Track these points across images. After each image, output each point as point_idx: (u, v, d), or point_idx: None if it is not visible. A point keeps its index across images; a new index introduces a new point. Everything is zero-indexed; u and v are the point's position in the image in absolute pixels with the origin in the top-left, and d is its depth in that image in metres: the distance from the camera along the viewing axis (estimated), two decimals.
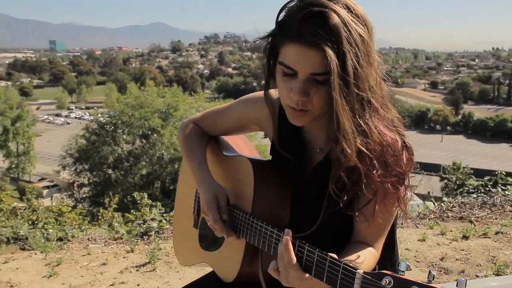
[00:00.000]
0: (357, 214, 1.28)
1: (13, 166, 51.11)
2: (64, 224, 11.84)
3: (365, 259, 1.21)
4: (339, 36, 1.15)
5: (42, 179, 47.98)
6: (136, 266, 4.31)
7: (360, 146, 1.20)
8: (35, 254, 5.03)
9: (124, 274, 4.17)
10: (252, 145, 1.81)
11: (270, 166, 1.53)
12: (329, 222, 1.33)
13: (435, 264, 3.86)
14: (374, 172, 1.22)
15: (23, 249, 5.56)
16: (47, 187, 41.53)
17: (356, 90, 1.18)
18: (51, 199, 22.27)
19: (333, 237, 1.35)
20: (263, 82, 1.36)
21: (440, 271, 3.76)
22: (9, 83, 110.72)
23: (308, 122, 1.30)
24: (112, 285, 3.97)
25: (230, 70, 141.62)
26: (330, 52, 1.14)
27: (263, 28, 1.29)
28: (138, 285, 3.94)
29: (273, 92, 1.46)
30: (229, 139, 1.77)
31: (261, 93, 1.48)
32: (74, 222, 12.30)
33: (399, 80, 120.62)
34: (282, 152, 1.47)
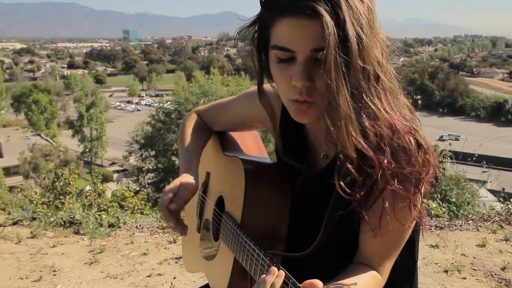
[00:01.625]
0: (363, 217, 1.04)
1: (87, 150, 53.78)
2: (126, 209, 12.19)
3: (365, 285, 0.97)
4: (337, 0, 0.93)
5: (112, 164, 50.11)
6: (176, 258, 4.23)
7: (367, 128, 0.97)
8: (83, 240, 5.10)
9: (163, 266, 4.10)
10: (261, 143, 1.58)
11: (268, 170, 1.32)
12: (332, 241, 1.09)
13: (495, 274, 3.47)
14: (385, 161, 0.99)
15: (77, 233, 5.67)
16: (117, 171, 43.30)
17: (361, 63, 0.95)
18: (117, 183, 23.09)
19: (337, 259, 1.12)
20: None
21: (501, 282, 3.37)
22: (86, 71, 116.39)
23: (314, 118, 1.06)
24: (149, 276, 3.90)
25: None
26: (327, 18, 0.92)
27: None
28: (174, 277, 3.85)
29: (271, 90, 1.21)
30: (236, 135, 1.57)
31: (267, 85, 1.25)
32: (136, 207, 12.64)
33: (474, 69, 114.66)
34: (284, 158, 1.25)
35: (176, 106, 27.04)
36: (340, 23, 0.93)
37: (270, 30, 1.02)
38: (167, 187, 1.27)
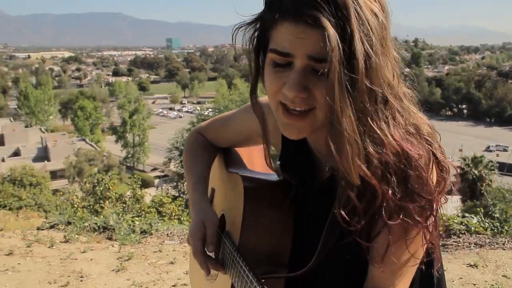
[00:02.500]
0: (367, 247, 0.93)
1: (129, 155, 54.98)
2: (164, 215, 12.27)
3: None
4: (346, 10, 0.83)
5: (154, 169, 50.94)
6: None
7: (371, 155, 0.87)
8: (113, 246, 5.11)
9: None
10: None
11: (270, 188, 1.21)
12: (330, 263, 0.98)
13: None
14: (390, 192, 0.89)
15: (110, 238, 5.71)
16: (158, 177, 43.97)
17: (368, 84, 0.85)
18: (157, 189, 23.35)
19: (337, 283, 1.00)
20: None
21: None
22: (130, 78, 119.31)
23: (306, 133, 0.97)
24: (174, 286, 3.85)
25: None
26: (331, 31, 0.82)
27: None
28: None
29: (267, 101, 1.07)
30: (243, 149, 1.47)
31: (265, 98, 1.14)
32: (174, 213, 12.71)
33: None
34: (285, 175, 1.14)
35: (216, 113, 27.28)
36: (346, 38, 0.83)
37: (271, 31, 0.92)
38: (192, 230, 1.19)
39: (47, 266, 4.51)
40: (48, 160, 41.71)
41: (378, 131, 0.87)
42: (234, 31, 0.99)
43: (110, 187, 12.89)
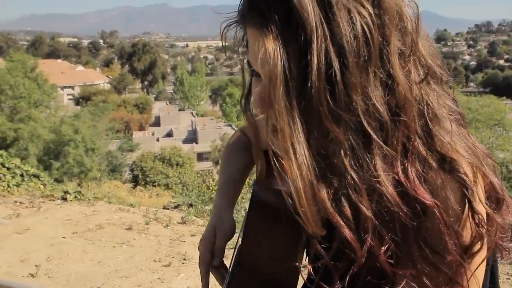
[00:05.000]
0: None
1: None
2: None
3: None
4: (299, 9, 0.64)
5: None
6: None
7: (346, 199, 0.69)
8: None
9: None
10: None
11: (282, 202, 1.04)
12: None
13: None
14: (382, 251, 0.70)
15: None
16: None
17: (333, 107, 0.66)
18: None
19: None
20: None
21: None
22: None
23: None
24: None
25: (501, 62, 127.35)
26: (269, 48, 0.65)
27: None
28: None
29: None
30: None
31: None
32: None
33: None
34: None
35: None
36: (299, 46, 0.65)
37: None
38: (203, 238, 1.09)
39: (157, 244, 4.78)
40: (196, 143, 44.63)
41: (357, 169, 0.67)
42: (223, 30, 0.84)
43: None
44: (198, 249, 1.11)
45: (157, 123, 50.14)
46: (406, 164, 0.69)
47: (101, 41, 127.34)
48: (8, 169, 7.81)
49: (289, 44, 0.64)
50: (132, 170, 23.85)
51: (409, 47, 0.68)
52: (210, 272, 1.06)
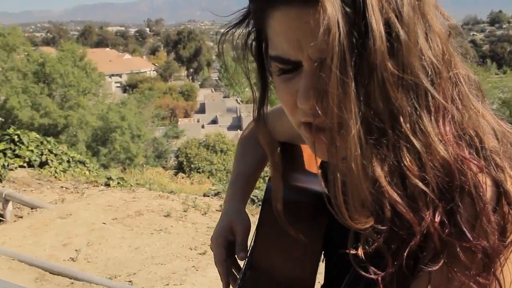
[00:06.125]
0: None
1: None
2: None
3: None
4: None
5: None
6: None
7: (408, 170, 0.63)
8: None
9: None
10: None
11: (296, 201, 0.96)
12: None
13: None
14: (437, 222, 0.65)
15: None
16: None
17: (395, 71, 0.61)
18: None
19: None
20: None
21: None
22: None
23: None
24: None
25: None
26: (328, 8, 0.58)
27: None
28: None
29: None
30: (305, 147, 1.25)
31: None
32: None
33: None
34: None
35: None
36: (356, 10, 0.59)
37: (265, 29, 0.70)
38: (216, 234, 1.04)
39: (194, 232, 4.82)
40: (241, 129, 44.91)
41: (419, 134, 0.63)
42: (221, 37, 0.76)
43: None
44: (211, 248, 1.07)
45: (202, 110, 50.77)
46: (450, 125, 0.64)
47: (147, 29, 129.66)
48: (55, 155, 8.08)
49: (345, 8, 0.59)
50: (177, 157, 24.25)
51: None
52: (230, 271, 1.02)
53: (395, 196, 0.62)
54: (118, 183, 7.35)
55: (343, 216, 0.64)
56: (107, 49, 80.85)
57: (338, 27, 0.57)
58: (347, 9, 0.58)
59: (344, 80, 0.58)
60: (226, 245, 1.01)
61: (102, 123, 21.73)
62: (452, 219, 0.64)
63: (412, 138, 0.61)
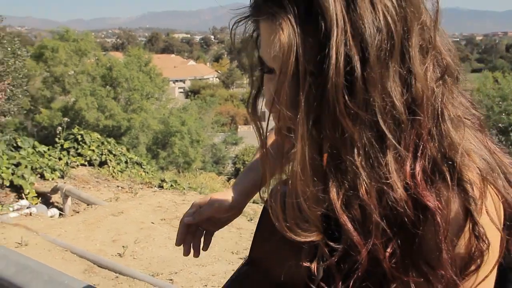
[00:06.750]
0: None
1: None
2: None
3: None
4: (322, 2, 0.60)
5: None
6: None
7: (354, 199, 0.66)
8: None
9: None
10: None
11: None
12: None
13: None
14: (387, 254, 0.67)
15: None
16: None
17: (350, 105, 0.62)
18: None
19: None
20: None
21: None
22: None
23: None
24: None
25: None
26: (283, 39, 0.62)
27: None
28: None
29: None
30: None
31: None
32: None
33: None
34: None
35: None
36: (318, 40, 0.61)
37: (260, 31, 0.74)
38: (196, 200, 1.16)
39: (238, 237, 4.91)
40: None
41: (373, 168, 0.63)
42: (232, 28, 0.78)
43: None
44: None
45: (262, 118, 51.00)
46: (415, 165, 0.64)
47: (212, 36, 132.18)
48: (114, 155, 8.45)
49: (307, 37, 0.61)
50: (234, 163, 24.52)
51: (428, 42, 0.64)
52: (186, 232, 1.11)
53: (346, 219, 0.64)
54: (171, 185, 7.58)
55: (279, 224, 0.69)
56: (173, 55, 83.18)
57: (294, 53, 0.61)
58: (308, 38, 0.60)
59: (295, 101, 0.62)
60: (198, 212, 1.10)
61: (163, 127, 22.40)
62: (407, 252, 0.65)
63: (362, 171, 0.62)
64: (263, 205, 1.16)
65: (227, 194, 1.14)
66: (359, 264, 0.66)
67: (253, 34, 0.75)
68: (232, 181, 10.96)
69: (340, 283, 0.70)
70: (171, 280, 3.85)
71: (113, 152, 8.52)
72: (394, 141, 0.62)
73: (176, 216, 5.33)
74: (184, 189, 7.30)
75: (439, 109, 0.65)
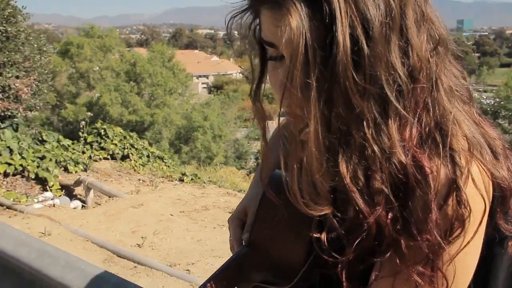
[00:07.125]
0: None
1: None
2: None
3: None
4: None
5: None
6: None
7: (360, 168, 0.70)
8: None
9: None
10: None
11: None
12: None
13: None
14: (389, 219, 0.71)
15: None
16: None
17: (359, 80, 0.66)
18: None
19: None
20: None
21: None
22: None
23: None
24: None
25: None
26: (291, 19, 0.65)
27: None
28: None
29: None
30: None
31: None
32: None
33: None
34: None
35: (495, 103, 24.63)
36: (324, 23, 0.64)
37: (260, 18, 0.76)
38: (233, 215, 1.13)
39: None
40: None
41: (380, 139, 0.67)
42: (229, 21, 0.81)
43: None
44: (229, 228, 1.18)
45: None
46: (413, 131, 0.68)
47: (236, 32, 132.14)
48: (136, 149, 8.59)
49: (313, 21, 0.64)
50: (256, 158, 24.58)
51: (420, 14, 0.68)
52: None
53: (355, 191, 0.68)
54: (192, 179, 7.68)
55: (296, 201, 0.73)
56: (196, 51, 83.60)
57: (303, 37, 0.64)
58: (315, 22, 0.63)
59: (307, 84, 0.65)
60: (242, 226, 1.08)
61: (185, 122, 22.61)
62: (403, 217, 0.69)
63: (372, 142, 0.66)
64: None
65: (255, 197, 1.11)
66: (366, 233, 0.70)
67: (252, 23, 0.78)
68: (252, 175, 11.00)
69: (350, 253, 0.73)
70: (188, 270, 3.93)
71: (135, 146, 8.66)
72: (400, 109, 0.66)
73: (194, 208, 5.41)
74: (204, 182, 7.38)
75: (434, 79, 0.69)
